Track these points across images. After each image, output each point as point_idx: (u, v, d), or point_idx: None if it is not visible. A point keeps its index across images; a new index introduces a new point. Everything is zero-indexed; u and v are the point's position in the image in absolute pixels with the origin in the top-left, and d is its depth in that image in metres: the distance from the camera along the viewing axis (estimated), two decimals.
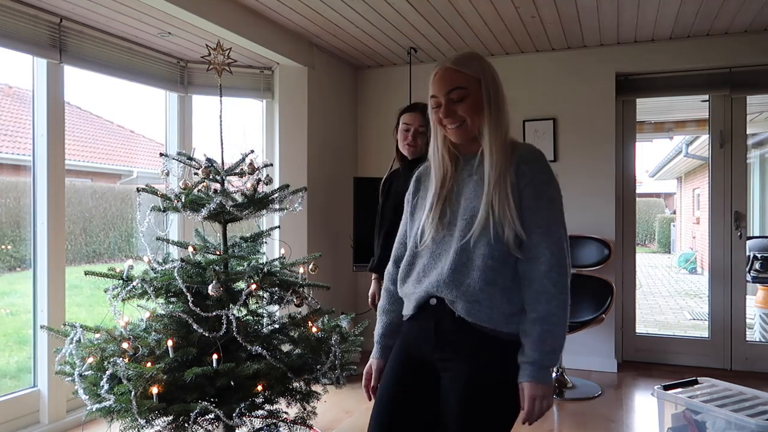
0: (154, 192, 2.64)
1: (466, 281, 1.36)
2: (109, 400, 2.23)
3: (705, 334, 4.51)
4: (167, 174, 2.77)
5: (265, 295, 2.70)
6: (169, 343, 2.37)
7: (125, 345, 2.35)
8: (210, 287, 2.43)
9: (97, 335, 2.47)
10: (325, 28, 3.88)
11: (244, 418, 2.48)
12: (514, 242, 1.35)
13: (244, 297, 2.57)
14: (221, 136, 2.74)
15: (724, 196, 4.34)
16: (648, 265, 12.61)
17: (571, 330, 3.77)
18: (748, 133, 4.35)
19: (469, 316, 1.35)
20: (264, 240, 2.93)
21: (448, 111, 1.43)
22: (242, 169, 2.75)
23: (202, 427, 2.41)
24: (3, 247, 4.70)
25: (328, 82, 4.50)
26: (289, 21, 3.73)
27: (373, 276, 2.85)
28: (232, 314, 2.49)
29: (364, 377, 1.58)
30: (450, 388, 1.38)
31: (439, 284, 1.38)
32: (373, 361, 1.58)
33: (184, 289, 2.42)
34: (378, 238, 2.78)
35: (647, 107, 5.45)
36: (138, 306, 2.58)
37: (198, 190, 2.63)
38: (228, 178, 2.72)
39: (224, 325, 2.45)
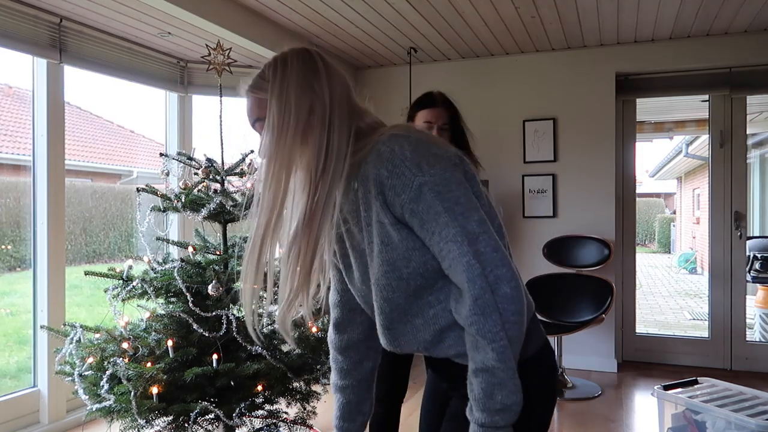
0: (154, 192, 2.64)
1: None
2: (109, 400, 2.24)
3: (705, 334, 4.51)
4: (167, 174, 2.77)
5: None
6: (169, 343, 2.37)
7: (125, 345, 2.36)
8: (210, 287, 2.43)
9: (97, 335, 2.47)
10: (325, 28, 3.88)
11: (244, 418, 2.48)
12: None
13: None
14: (221, 136, 2.75)
15: (724, 196, 4.34)
16: (648, 265, 12.62)
17: (571, 330, 3.77)
18: (748, 133, 4.36)
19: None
20: None
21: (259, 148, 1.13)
22: (242, 169, 2.75)
23: (202, 427, 2.42)
24: (3, 247, 4.70)
25: None
26: (289, 21, 3.73)
27: None
28: (232, 314, 2.49)
29: None
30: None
31: None
32: None
33: (184, 289, 2.42)
34: None
35: (647, 107, 5.45)
36: (138, 306, 2.58)
37: (198, 190, 2.63)
38: (228, 178, 2.72)
39: (224, 325, 2.45)
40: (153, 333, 2.47)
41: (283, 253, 1.09)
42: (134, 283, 2.47)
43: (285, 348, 2.71)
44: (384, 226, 1.05)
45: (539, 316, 4.07)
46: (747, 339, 4.34)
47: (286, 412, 2.74)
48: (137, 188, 2.66)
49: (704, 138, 6.22)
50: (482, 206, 1.06)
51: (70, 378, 2.41)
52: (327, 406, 3.43)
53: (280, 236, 1.09)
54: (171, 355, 2.35)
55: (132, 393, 2.18)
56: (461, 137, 2.31)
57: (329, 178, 1.05)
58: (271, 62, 1.11)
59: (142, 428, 2.25)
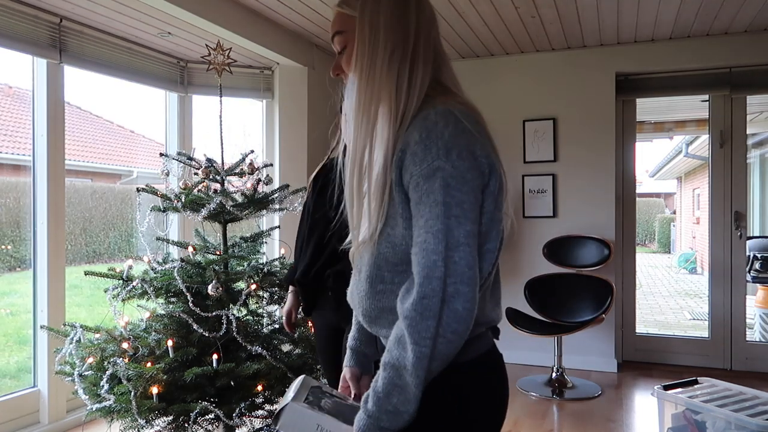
0: (154, 192, 2.64)
1: None
2: (109, 400, 2.24)
3: (705, 334, 4.51)
4: (167, 174, 2.77)
5: (265, 295, 2.70)
6: (169, 343, 2.37)
7: (125, 345, 2.36)
8: (210, 287, 2.43)
9: (97, 335, 2.47)
10: (325, 28, 3.88)
11: (244, 418, 2.48)
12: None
13: (244, 297, 2.57)
14: (221, 136, 2.74)
15: (724, 196, 4.34)
16: (648, 265, 12.61)
17: (571, 330, 3.77)
18: (748, 133, 4.36)
19: None
20: (264, 240, 2.93)
21: (334, 65, 1.15)
22: (242, 169, 2.75)
23: (202, 427, 2.42)
24: (3, 247, 4.70)
25: (328, 82, 4.49)
26: (289, 21, 3.73)
27: (291, 289, 2.28)
28: (232, 314, 2.49)
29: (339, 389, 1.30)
30: None
31: None
32: (345, 369, 1.26)
33: (184, 289, 2.42)
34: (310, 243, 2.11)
35: (647, 107, 5.45)
36: (138, 306, 2.58)
37: (198, 190, 2.63)
38: (228, 178, 2.72)
39: (224, 325, 2.45)
40: (153, 333, 2.47)
41: (372, 181, 1.03)
42: (134, 283, 2.47)
43: (285, 348, 2.72)
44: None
45: (539, 316, 4.09)
46: (747, 339, 4.34)
47: None
48: (137, 188, 2.66)
49: (704, 138, 6.21)
50: (485, 224, 1.00)
51: (70, 378, 2.41)
52: None
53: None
54: (171, 355, 2.35)
55: (132, 393, 2.18)
56: None
57: (409, 112, 1.02)
58: None
59: (142, 428, 2.25)
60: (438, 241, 0.93)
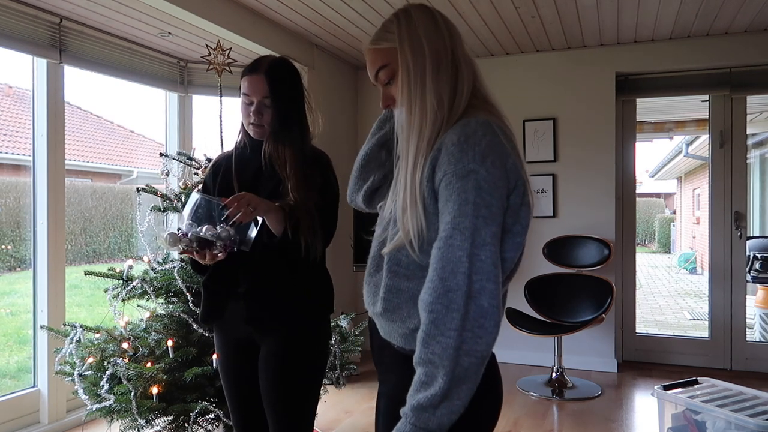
0: (154, 192, 2.64)
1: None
2: (109, 400, 2.24)
3: (705, 334, 4.51)
4: (167, 174, 2.77)
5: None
6: (169, 343, 2.37)
7: (125, 345, 2.36)
8: None
9: (97, 335, 2.47)
10: (325, 28, 3.88)
11: None
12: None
13: None
14: (221, 136, 2.74)
15: (724, 196, 4.34)
16: (648, 265, 12.61)
17: (571, 330, 3.77)
18: (748, 133, 4.35)
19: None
20: None
21: (383, 97, 1.20)
22: None
23: (202, 427, 2.42)
24: (3, 247, 4.70)
25: (328, 82, 4.49)
26: (289, 21, 3.73)
27: None
28: None
29: None
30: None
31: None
32: None
33: (184, 289, 2.42)
34: None
35: (647, 107, 5.45)
36: (138, 306, 2.58)
37: (198, 190, 2.63)
38: None
39: None
40: (153, 333, 2.47)
41: (406, 182, 1.08)
42: (134, 283, 2.47)
43: None
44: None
45: (539, 316, 4.08)
46: (747, 339, 4.34)
47: None
48: (137, 188, 2.66)
49: (704, 138, 6.22)
50: (511, 231, 1.06)
51: (70, 378, 2.41)
52: (327, 406, 3.43)
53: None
54: (171, 355, 2.35)
55: (132, 393, 2.18)
56: (291, 122, 1.77)
57: (454, 118, 1.08)
58: (392, 17, 1.16)
59: (142, 428, 2.25)
60: (465, 238, 0.97)
